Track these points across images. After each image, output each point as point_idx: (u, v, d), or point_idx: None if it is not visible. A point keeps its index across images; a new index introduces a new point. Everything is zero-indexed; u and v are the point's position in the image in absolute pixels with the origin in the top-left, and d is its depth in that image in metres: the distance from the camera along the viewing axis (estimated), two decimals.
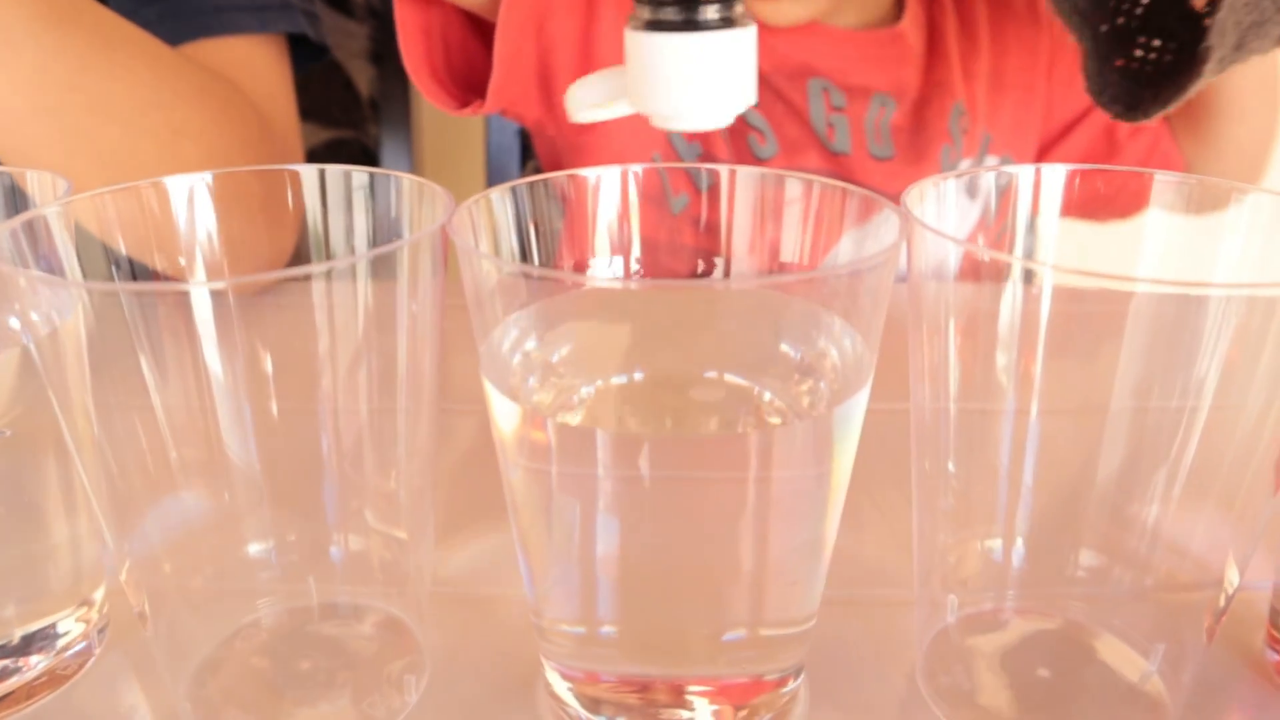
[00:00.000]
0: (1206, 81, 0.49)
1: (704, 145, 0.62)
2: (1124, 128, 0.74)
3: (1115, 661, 0.30)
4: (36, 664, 0.32)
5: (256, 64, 0.61)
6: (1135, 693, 0.30)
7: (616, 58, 0.33)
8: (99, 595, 0.35)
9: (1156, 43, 0.50)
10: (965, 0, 0.67)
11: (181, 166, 0.52)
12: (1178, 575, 0.28)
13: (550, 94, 0.59)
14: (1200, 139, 0.74)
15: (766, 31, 0.60)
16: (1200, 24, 0.48)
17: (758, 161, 0.61)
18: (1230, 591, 0.28)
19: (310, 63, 0.67)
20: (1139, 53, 0.50)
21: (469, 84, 0.57)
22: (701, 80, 0.28)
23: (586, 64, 0.59)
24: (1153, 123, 0.74)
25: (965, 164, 0.67)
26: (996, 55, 0.68)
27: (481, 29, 0.57)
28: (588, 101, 0.30)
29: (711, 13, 0.27)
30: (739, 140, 0.62)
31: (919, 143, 0.64)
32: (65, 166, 0.49)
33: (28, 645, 0.32)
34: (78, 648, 0.33)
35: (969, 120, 0.66)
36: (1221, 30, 0.46)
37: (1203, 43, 0.46)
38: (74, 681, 0.33)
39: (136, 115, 0.52)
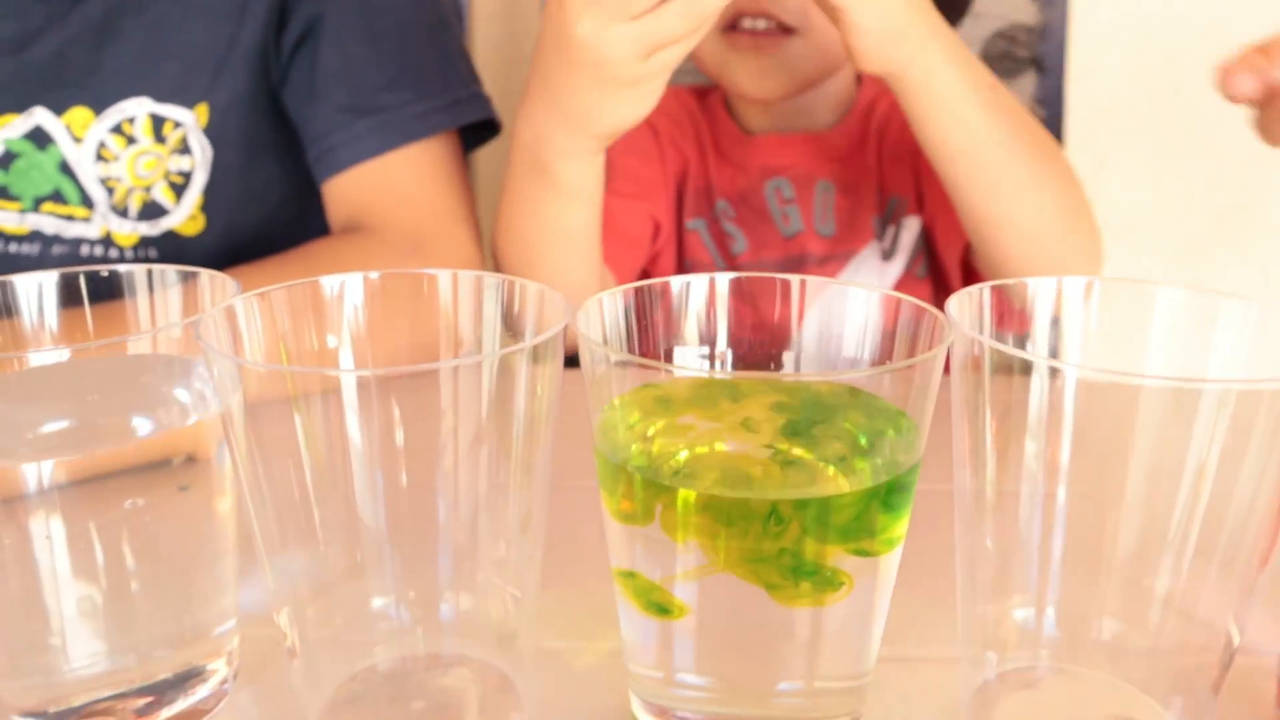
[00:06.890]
0: None
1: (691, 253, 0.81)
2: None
3: (1139, 714, 0.34)
4: (178, 702, 0.37)
5: (437, 167, 0.72)
6: None
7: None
8: (236, 639, 0.39)
9: None
10: (891, 129, 0.79)
11: None
12: (1187, 636, 0.32)
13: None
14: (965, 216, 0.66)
15: (740, 152, 0.80)
16: None
17: (733, 256, 0.80)
18: (1233, 648, 0.32)
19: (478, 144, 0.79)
20: None
21: None
22: None
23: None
24: None
25: (876, 222, 0.79)
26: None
27: None
28: None
29: None
30: (722, 239, 0.81)
31: (855, 220, 0.79)
32: None
33: (176, 684, 0.37)
34: (217, 687, 0.38)
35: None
36: None
37: None
38: (210, 716, 0.37)
39: None
